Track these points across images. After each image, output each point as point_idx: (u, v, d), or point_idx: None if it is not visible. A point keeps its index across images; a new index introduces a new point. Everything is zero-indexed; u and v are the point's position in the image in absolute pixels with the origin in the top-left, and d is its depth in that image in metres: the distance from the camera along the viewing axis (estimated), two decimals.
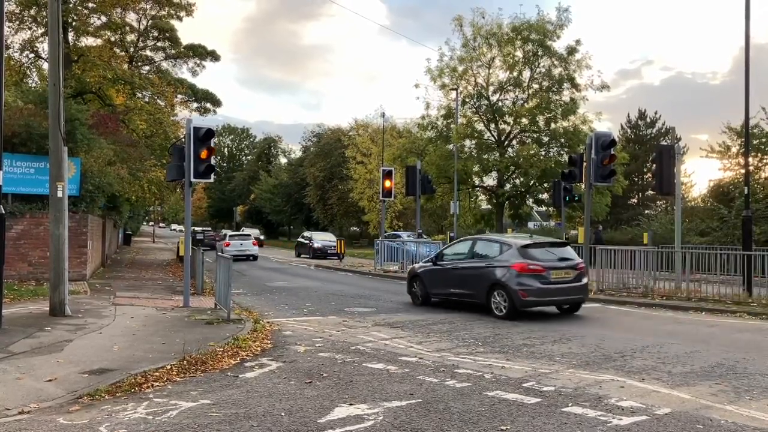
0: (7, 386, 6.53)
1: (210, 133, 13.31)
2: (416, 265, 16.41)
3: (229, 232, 42.69)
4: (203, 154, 13.16)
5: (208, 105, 37.68)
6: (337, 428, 5.38)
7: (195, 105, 37.27)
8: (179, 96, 34.77)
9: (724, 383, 7.09)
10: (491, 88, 37.65)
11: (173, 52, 35.30)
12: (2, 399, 6.08)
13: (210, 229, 72.76)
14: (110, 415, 5.72)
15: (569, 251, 13.75)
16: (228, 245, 33.86)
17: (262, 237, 58.22)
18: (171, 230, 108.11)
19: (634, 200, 55.44)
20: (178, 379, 7.16)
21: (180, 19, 33.42)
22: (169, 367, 7.48)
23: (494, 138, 38.18)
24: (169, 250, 43.81)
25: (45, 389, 6.47)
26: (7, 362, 7.56)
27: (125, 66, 31.72)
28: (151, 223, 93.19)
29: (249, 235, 39.66)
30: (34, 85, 29.74)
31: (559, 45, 35.80)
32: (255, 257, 34.33)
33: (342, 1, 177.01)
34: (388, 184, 26.76)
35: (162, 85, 31.60)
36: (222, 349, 8.61)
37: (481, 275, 13.25)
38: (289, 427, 5.41)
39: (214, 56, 36.40)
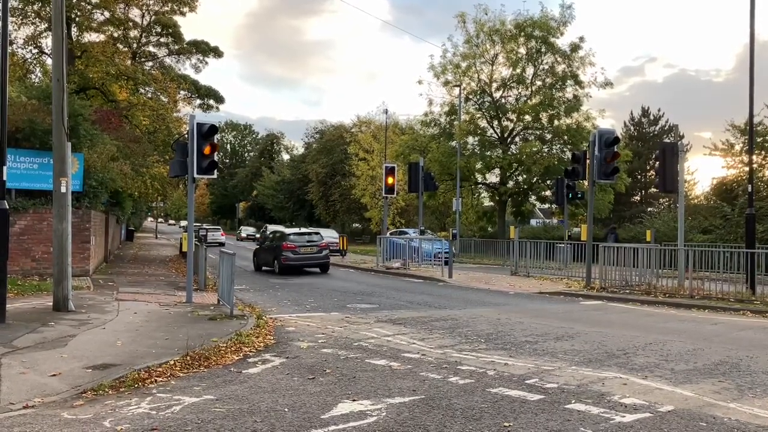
0: (12, 381, 6.54)
1: (213, 129, 13.30)
2: (255, 248, 26.86)
3: (205, 225, 58.67)
4: (206, 150, 13.17)
5: (211, 101, 37.66)
6: (340, 424, 5.38)
7: (198, 101, 37.25)
8: (182, 92, 34.77)
9: (727, 381, 7.09)
10: (494, 85, 37.59)
11: (176, 48, 35.24)
12: (6, 393, 6.10)
13: (200, 225, 73.67)
14: (114, 410, 5.74)
15: (317, 237, 23.92)
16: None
17: None
18: (180, 227, 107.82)
19: (637, 198, 55.34)
20: (181, 374, 7.17)
21: (183, 14, 33.39)
22: (172, 362, 7.49)
23: (497, 135, 38.13)
24: (171, 246, 43.92)
25: (49, 384, 6.49)
26: (11, 357, 7.58)
27: (128, 62, 31.69)
28: (160, 220, 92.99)
29: (219, 228, 55.73)
30: (37, 80, 29.77)
31: (563, 42, 35.75)
32: (222, 244, 42.12)
33: None
34: (390, 180, 26.78)
35: (165, 81, 31.59)
36: (225, 345, 8.63)
37: (273, 251, 23.28)
38: (292, 422, 5.41)
39: (216, 52, 36.34)
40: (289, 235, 23.41)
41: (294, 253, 22.22)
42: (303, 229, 26.32)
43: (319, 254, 22.88)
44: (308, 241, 23.00)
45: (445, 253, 23.29)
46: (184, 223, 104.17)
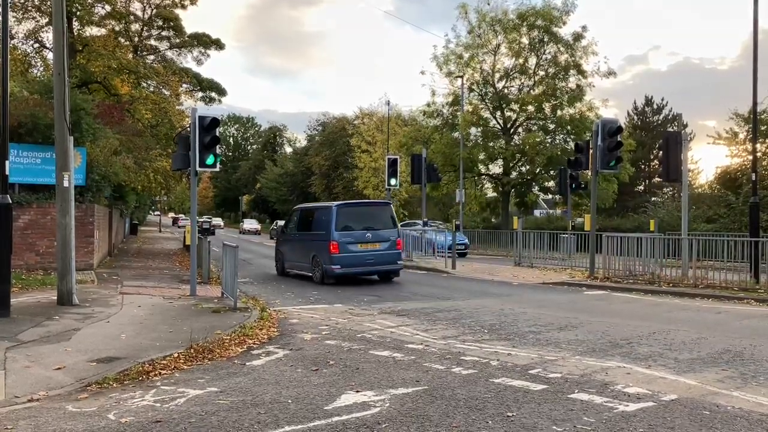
0: (17, 374, 6.58)
1: (215, 122, 13.28)
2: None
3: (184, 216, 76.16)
4: (209, 143, 13.15)
5: (213, 94, 37.63)
6: (344, 415, 5.39)
7: (200, 94, 37.24)
8: (184, 85, 34.73)
9: (730, 369, 7.08)
10: (497, 75, 37.51)
11: (178, 41, 35.14)
12: (12, 387, 6.13)
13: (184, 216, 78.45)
14: (118, 402, 5.76)
15: (209, 221, 61.18)
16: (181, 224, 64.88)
17: None
18: (170, 218, 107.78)
19: (641, 187, 55.18)
20: (185, 367, 7.19)
21: (184, 7, 33.28)
22: (176, 355, 7.51)
23: (500, 125, 38.06)
24: (175, 239, 43.99)
25: (54, 377, 6.52)
26: (16, 351, 7.62)
27: (130, 55, 31.63)
28: (157, 213, 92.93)
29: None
30: (38, 75, 29.75)
31: (565, 31, 35.64)
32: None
33: None
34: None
35: (167, 74, 31.54)
36: (229, 337, 8.65)
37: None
38: (296, 414, 5.43)
39: (218, 45, 36.23)
40: (203, 221, 49.93)
41: (203, 228, 37.48)
42: (210, 218, 63.74)
43: (209, 228, 46.75)
44: (206, 222, 52.27)
45: (459, 244, 22.96)
46: (171, 215, 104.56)
